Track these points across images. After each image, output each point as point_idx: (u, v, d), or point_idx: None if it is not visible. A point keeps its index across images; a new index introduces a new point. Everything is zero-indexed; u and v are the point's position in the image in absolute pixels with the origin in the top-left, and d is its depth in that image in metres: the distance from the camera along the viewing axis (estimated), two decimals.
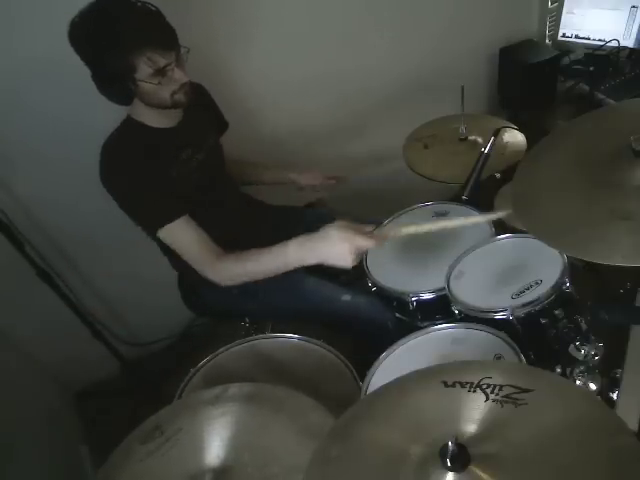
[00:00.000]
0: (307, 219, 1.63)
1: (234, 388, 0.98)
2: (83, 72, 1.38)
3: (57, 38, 1.39)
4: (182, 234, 1.27)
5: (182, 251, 1.29)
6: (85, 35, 1.13)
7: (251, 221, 1.54)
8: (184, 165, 1.34)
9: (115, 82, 1.18)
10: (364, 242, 1.06)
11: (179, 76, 1.20)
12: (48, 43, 1.40)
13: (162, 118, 1.31)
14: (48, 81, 1.45)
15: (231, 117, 1.58)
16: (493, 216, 1.29)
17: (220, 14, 1.60)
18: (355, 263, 1.08)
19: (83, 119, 1.49)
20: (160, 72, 1.17)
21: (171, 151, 1.33)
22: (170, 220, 1.24)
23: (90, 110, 1.48)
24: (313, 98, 1.90)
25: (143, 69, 1.15)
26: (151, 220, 1.26)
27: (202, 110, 1.44)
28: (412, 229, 1.12)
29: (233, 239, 1.47)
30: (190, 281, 1.51)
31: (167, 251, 1.48)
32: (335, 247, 1.08)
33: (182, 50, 1.21)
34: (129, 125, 1.30)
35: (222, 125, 1.57)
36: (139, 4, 1.16)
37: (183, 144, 1.35)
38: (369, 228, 1.09)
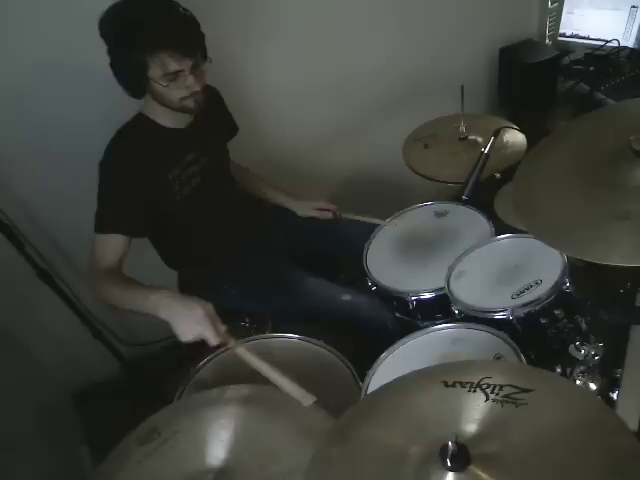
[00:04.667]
0: (305, 219, 1.63)
1: (231, 390, 0.98)
2: (82, 75, 1.39)
3: (57, 42, 1.40)
4: (104, 246, 1.26)
5: (92, 253, 1.27)
6: (110, 24, 1.15)
7: (251, 221, 1.54)
8: (186, 168, 1.34)
9: (129, 75, 1.19)
10: (211, 336, 1.08)
11: (191, 84, 1.20)
12: (48, 47, 1.41)
13: (172, 118, 1.31)
14: (48, 83, 1.45)
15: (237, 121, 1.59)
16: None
17: (229, 18, 1.61)
18: (188, 341, 1.10)
19: (83, 120, 1.50)
20: (171, 76, 1.17)
21: (175, 152, 1.33)
22: (107, 232, 1.25)
23: (90, 111, 1.49)
24: (315, 99, 1.90)
25: (154, 69, 1.16)
26: (98, 219, 1.25)
27: (214, 114, 1.43)
28: (251, 360, 1.09)
29: (232, 239, 1.48)
30: (190, 281, 1.51)
31: (164, 252, 1.49)
32: (187, 322, 1.09)
33: (203, 60, 1.22)
34: (139, 121, 1.31)
35: (232, 129, 1.58)
36: (170, 6, 1.16)
37: (189, 147, 1.36)
38: (223, 328, 1.12)
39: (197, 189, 1.37)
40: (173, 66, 1.16)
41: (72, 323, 1.70)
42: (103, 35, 1.16)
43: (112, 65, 1.20)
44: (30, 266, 1.55)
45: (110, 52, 1.18)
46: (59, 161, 1.55)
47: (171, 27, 1.15)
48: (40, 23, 1.39)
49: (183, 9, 1.18)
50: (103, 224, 1.26)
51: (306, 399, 0.94)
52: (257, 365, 1.04)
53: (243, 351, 1.08)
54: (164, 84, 1.18)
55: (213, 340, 1.07)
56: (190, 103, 1.24)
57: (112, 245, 1.26)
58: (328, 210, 1.62)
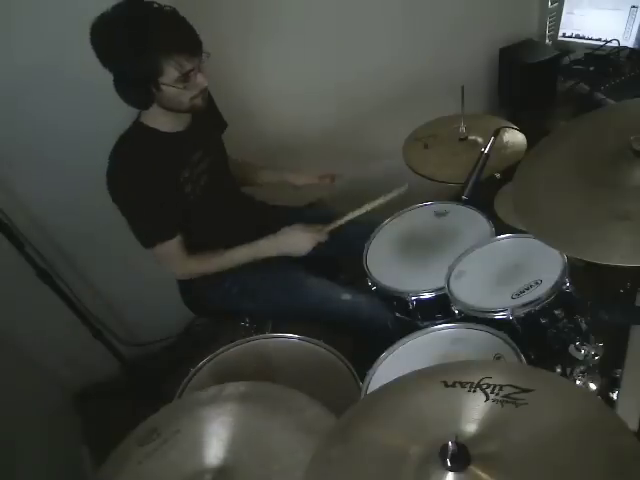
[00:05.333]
0: (307, 219, 1.63)
1: (230, 388, 0.98)
2: (81, 78, 1.39)
3: (56, 45, 1.40)
4: (167, 251, 1.33)
5: (162, 259, 1.37)
6: (112, 38, 1.12)
7: (252, 220, 1.54)
8: (194, 168, 1.35)
9: (138, 85, 1.17)
10: (318, 234, 1.38)
11: (201, 81, 1.21)
12: (47, 50, 1.41)
13: (174, 122, 1.31)
14: (47, 85, 1.44)
15: (234, 118, 1.58)
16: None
17: (228, 17, 1.61)
18: (307, 251, 1.38)
19: (82, 122, 1.50)
20: (183, 77, 1.17)
21: (182, 155, 1.33)
22: (161, 241, 1.31)
23: (88, 113, 1.49)
24: (315, 99, 1.90)
25: (170, 73, 1.15)
26: (144, 237, 1.31)
27: (207, 112, 1.43)
28: (350, 215, 1.43)
29: (234, 238, 1.48)
30: (190, 281, 1.51)
31: None
32: (295, 238, 1.38)
33: (203, 55, 1.22)
34: (140, 131, 1.29)
35: (222, 125, 1.57)
36: (166, 9, 1.16)
37: (193, 147, 1.36)
38: (319, 227, 1.40)
39: (205, 188, 1.38)
40: (187, 66, 1.16)
41: (72, 323, 1.70)
42: (101, 51, 1.13)
43: (117, 80, 1.18)
44: (30, 266, 1.55)
45: (114, 67, 1.15)
46: (59, 162, 1.54)
47: (178, 28, 1.15)
48: (39, 26, 1.38)
49: (174, 9, 1.16)
50: (149, 240, 1.31)
51: (403, 188, 1.41)
52: (358, 211, 1.43)
53: (346, 217, 1.42)
54: (181, 86, 1.18)
55: (323, 237, 1.39)
56: (199, 101, 1.25)
57: (170, 248, 1.32)
58: (328, 178, 1.65)
